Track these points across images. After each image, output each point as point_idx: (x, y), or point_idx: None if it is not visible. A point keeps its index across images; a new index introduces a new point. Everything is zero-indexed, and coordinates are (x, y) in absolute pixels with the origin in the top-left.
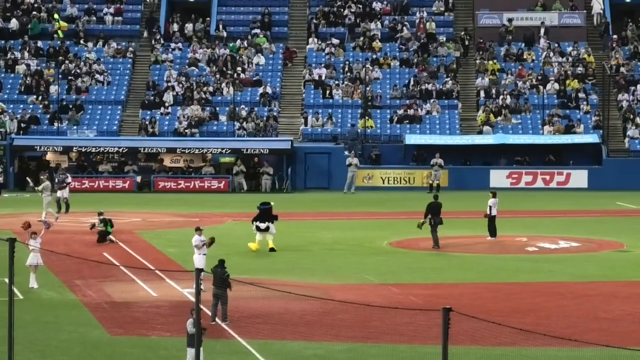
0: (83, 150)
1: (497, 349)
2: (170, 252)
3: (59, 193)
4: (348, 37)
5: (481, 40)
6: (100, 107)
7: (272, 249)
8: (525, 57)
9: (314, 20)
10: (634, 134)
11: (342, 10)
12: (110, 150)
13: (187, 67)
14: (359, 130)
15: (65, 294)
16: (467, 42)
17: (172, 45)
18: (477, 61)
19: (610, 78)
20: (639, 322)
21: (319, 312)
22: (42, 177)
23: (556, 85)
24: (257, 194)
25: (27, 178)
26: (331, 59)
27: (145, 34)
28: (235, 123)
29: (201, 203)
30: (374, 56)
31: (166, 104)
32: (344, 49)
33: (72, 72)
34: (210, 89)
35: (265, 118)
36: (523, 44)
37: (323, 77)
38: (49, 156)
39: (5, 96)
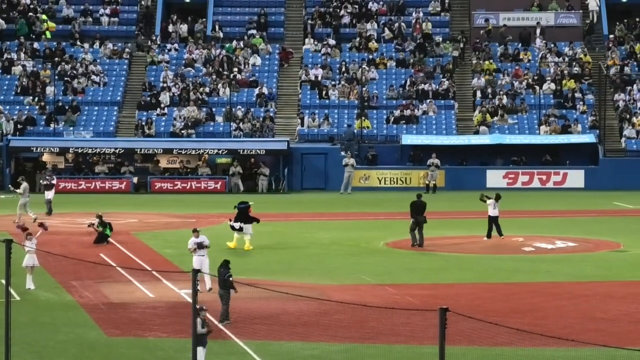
0: (79, 151)
1: (494, 349)
2: (167, 253)
3: (46, 195)
4: (333, 36)
5: (477, 41)
6: (96, 108)
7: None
8: (521, 57)
9: (310, 21)
10: (630, 133)
11: (338, 10)
12: (106, 151)
13: (183, 67)
14: (355, 131)
15: (62, 295)
16: (462, 45)
17: (169, 46)
18: (474, 61)
19: (606, 78)
20: (635, 322)
21: (316, 312)
22: (19, 180)
23: (552, 85)
24: (254, 195)
25: (9, 185)
26: (327, 59)
27: (142, 37)
28: (231, 124)
29: (198, 204)
30: (370, 56)
31: (162, 105)
32: (340, 49)
33: (69, 73)
34: (207, 89)
35: (261, 119)
36: (519, 44)
37: (319, 78)
38: (46, 157)
39: (2, 97)
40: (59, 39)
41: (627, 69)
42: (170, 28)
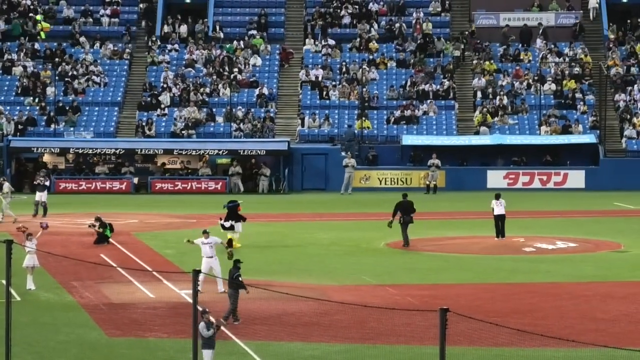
0: (80, 151)
1: (494, 349)
2: (167, 254)
3: (37, 196)
4: (321, 38)
5: (478, 41)
6: (97, 108)
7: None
8: (522, 57)
9: (311, 22)
10: (631, 134)
11: (338, 11)
12: (107, 152)
13: (183, 68)
14: (355, 131)
15: (63, 295)
16: (463, 46)
17: (169, 46)
18: (474, 61)
19: (606, 78)
20: (635, 323)
21: (316, 313)
22: (1, 180)
23: (553, 86)
24: (254, 195)
25: None
26: (328, 60)
27: (144, 38)
28: (232, 124)
29: (198, 204)
30: (371, 57)
31: (163, 105)
32: (341, 49)
33: (69, 73)
34: (207, 90)
35: (262, 119)
36: (520, 44)
37: (320, 78)
38: (46, 158)
39: (2, 98)
40: (59, 39)
41: (633, 69)
42: (170, 29)
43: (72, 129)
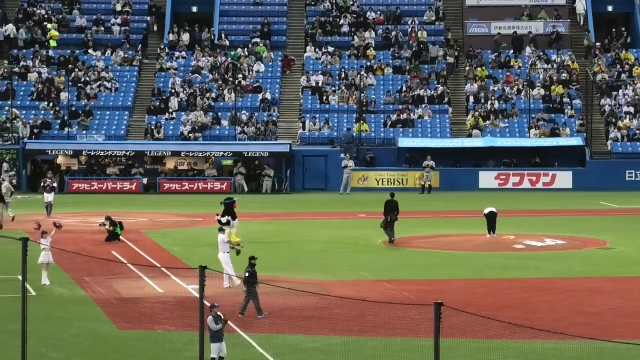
0: (92, 153)
1: (486, 341)
2: (175, 251)
3: (45, 197)
4: (311, 44)
5: (470, 48)
6: (108, 112)
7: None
8: (512, 64)
9: (311, 30)
10: (616, 136)
11: (337, 20)
12: (117, 154)
13: (190, 74)
14: (354, 134)
15: (76, 290)
16: (456, 53)
17: (177, 53)
18: (467, 68)
19: (593, 84)
20: (621, 316)
21: (317, 307)
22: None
23: (542, 91)
24: (258, 195)
25: None
26: (328, 66)
27: (155, 45)
28: (236, 127)
29: (204, 203)
30: (368, 63)
31: (171, 110)
32: (340, 56)
33: (82, 79)
34: (213, 95)
35: (265, 122)
36: (510, 51)
37: (320, 84)
38: (60, 159)
39: (18, 102)
40: (72, 47)
41: (624, 76)
42: (175, 37)
43: (84, 132)
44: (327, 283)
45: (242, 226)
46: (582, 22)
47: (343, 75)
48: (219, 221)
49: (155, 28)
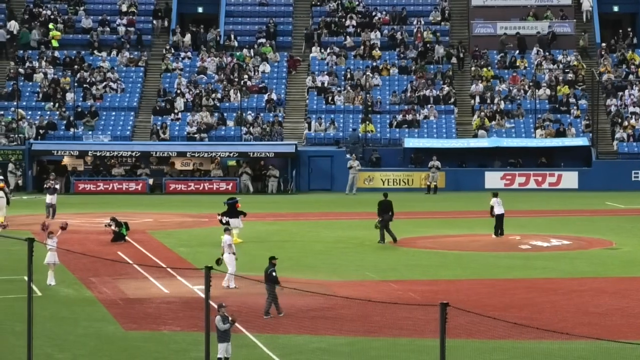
0: (98, 154)
1: (492, 342)
2: (181, 251)
3: (48, 199)
4: (306, 45)
5: (476, 49)
6: (114, 113)
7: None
8: (518, 64)
9: (317, 30)
10: (621, 137)
11: (343, 20)
12: (123, 154)
13: (196, 75)
14: (360, 135)
15: (82, 290)
16: (461, 55)
17: (182, 54)
18: (472, 68)
19: (599, 84)
20: (627, 317)
21: (323, 307)
22: None
23: (547, 91)
24: (264, 195)
25: None
26: (333, 66)
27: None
28: (242, 128)
29: (210, 204)
30: (374, 64)
31: (176, 110)
32: (345, 57)
33: (87, 80)
34: (219, 95)
35: (270, 123)
36: (516, 52)
37: (325, 84)
38: (66, 160)
39: (24, 103)
40: (78, 47)
41: (631, 77)
42: (178, 37)
43: (90, 132)
44: (333, 283)
45: (247, 226)
46: (588, 18)
47: (349, 76)
48: (221, 221)
49: (160, 29)
